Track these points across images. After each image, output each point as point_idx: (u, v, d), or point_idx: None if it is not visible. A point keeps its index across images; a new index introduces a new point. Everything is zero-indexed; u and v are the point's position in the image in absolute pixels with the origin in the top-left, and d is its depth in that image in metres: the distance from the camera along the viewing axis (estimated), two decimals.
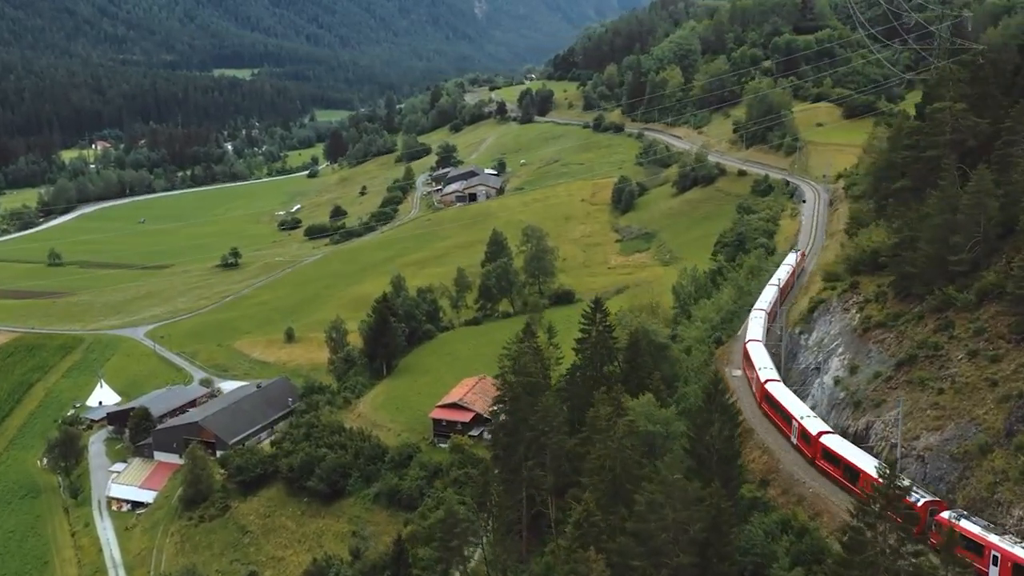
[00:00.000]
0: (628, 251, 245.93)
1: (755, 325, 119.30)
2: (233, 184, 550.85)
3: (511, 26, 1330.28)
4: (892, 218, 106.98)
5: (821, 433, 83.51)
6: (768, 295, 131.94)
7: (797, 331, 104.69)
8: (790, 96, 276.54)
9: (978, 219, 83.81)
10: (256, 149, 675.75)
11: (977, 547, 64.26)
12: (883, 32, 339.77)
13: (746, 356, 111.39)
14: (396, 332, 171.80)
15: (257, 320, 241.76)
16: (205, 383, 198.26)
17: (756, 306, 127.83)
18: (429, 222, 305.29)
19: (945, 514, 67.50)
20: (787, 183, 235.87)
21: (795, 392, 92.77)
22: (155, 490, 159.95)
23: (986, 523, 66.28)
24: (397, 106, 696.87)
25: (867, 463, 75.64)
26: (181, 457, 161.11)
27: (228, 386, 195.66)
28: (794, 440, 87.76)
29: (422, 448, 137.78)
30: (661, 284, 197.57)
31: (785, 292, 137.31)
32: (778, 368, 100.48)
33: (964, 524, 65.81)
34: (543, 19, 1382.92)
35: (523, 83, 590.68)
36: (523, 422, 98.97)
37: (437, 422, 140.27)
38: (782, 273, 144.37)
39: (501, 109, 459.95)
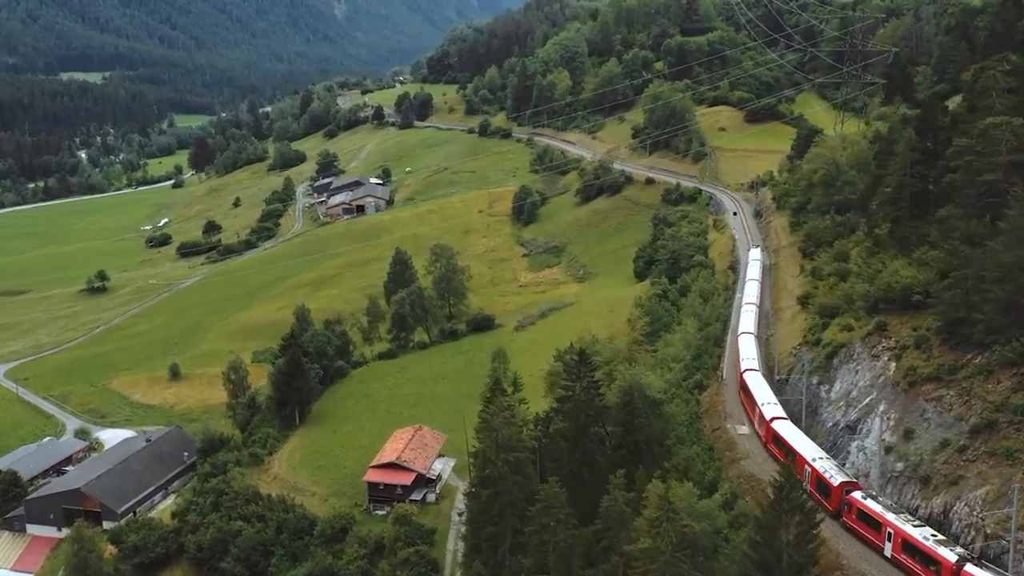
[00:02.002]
0: (537, 266, 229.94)
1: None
2: (91, 196, 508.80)
3: (372, 27, 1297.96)
4: (916, 247, 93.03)
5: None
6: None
7: (815, 381, 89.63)
8: (691, 100, 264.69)
9: None
10: (113, 157, 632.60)
11: (877, 524, 70.14)
12: (766, 33, 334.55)
13: (744, 387, 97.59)
14: (310, 375, 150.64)
15: (135, 355, 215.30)
16: (81, 434, 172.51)
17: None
18: (316, 238, 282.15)
19: (856, 494, 73.06)
20: (700, 192, 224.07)
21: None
22: (29, 572, 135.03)
23: (889, 503, 71.55)
24: (261, 110, 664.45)
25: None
26: (60, 530, 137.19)
27: (109, 437, 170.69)
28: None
29: (357, 518, 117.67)
30: (584, 306, 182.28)
31: (761, 313, 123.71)
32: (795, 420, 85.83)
33: (869, 503, 71.45)
34: (404, 20, 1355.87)
35: (395, 86, 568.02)
36: (510, 507, 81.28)
37: (373, 486, 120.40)
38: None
39: (379, 114, 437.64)
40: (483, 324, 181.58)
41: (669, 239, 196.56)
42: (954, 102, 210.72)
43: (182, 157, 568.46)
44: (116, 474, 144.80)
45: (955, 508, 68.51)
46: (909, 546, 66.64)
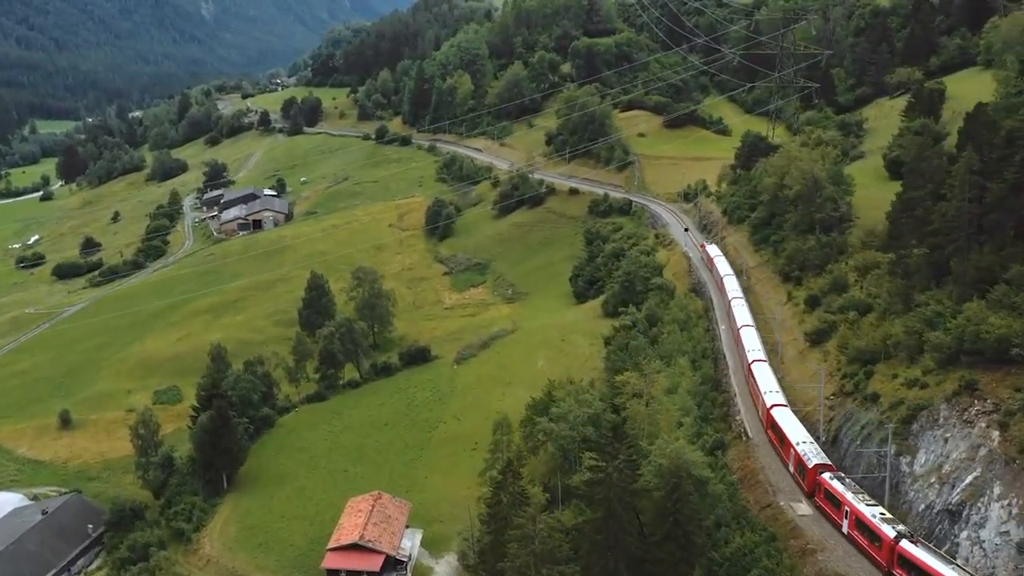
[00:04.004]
0: (461, 286, 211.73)
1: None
2: None
3: (241, 28, 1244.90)
4: (980, 283, 79.08)
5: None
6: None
7: (887, 450, 74.72)
8: (610, 106, 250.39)
9: None
10: None
11: (838, 503, 72.61)
12: (668, 35, 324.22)
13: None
14: (238, 430, 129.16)
15: (16, 399, 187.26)
16: None
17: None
18: (212, 257, 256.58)
19: (825, 475, 75.57)
20: (631, 203, 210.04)
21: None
22: None
23: (853, 485, 73.71)
24: (132, 115, 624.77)
25: None
26: None
27: None
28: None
29: None
30: (528, 333, 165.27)
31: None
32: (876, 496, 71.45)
33: (833, 484, 73.91)
34: (275, 21, 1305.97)
35: (276, 90, 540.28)
36: None
37: (333, 573, 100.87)
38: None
39: (265, 120, 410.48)
40: (418, 356, 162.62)
41: (609, 255, 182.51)
42: (886, 106, 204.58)
43: (49, 166, 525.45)
44: (8, 557, 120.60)
45: None
46: (860, 523, 69.61)
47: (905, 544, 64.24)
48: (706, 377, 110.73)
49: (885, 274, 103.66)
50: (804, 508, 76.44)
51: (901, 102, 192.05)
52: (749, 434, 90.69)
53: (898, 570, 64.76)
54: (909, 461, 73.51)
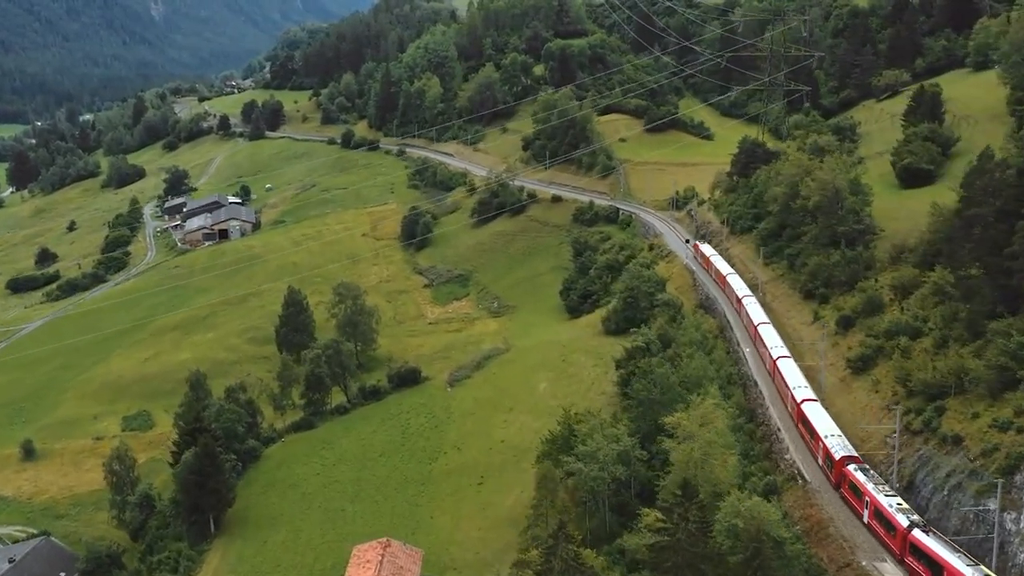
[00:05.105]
0: (443, 299, 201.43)
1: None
2: None
3: (192, 30, 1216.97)
4: None
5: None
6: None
7: (990, 507, 66.16)
8: (591, 109, 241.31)
9: None
10: None
11: (860, 493, 73.31)
12: (639, 36, 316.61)
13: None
14: (225, 468, 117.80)
15: None
16: None
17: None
18: (178, 269, 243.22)
19: (850, 467, 76.23)
20: (618, 211, 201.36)
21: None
22: None
23: (875, 476, 74.71)
24: (82, 119, 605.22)
25: None
26: None
27: None
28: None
29: None
30: (525, 353, 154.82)
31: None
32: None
33: (856, 475, 74.53)
34: (226, 22, 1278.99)
35: (233, 92, 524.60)
36: None
37: None
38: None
39: (224, 124, 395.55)
40: (408, 378, 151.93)
41: (603, 267, 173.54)
42: (875, 109, 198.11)
43: None
44: None
45: None
46: (878, 513, 70.61)
47: (917, 533, 65.18)
48: (739, 407, 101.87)
49: (930, 294, 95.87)
50: (891, 569, 67.53)
51: (891, 105, 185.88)
52: (806, 477, 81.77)
53: (909, 557, 65.92)
54: (1015, 518, 64.96)
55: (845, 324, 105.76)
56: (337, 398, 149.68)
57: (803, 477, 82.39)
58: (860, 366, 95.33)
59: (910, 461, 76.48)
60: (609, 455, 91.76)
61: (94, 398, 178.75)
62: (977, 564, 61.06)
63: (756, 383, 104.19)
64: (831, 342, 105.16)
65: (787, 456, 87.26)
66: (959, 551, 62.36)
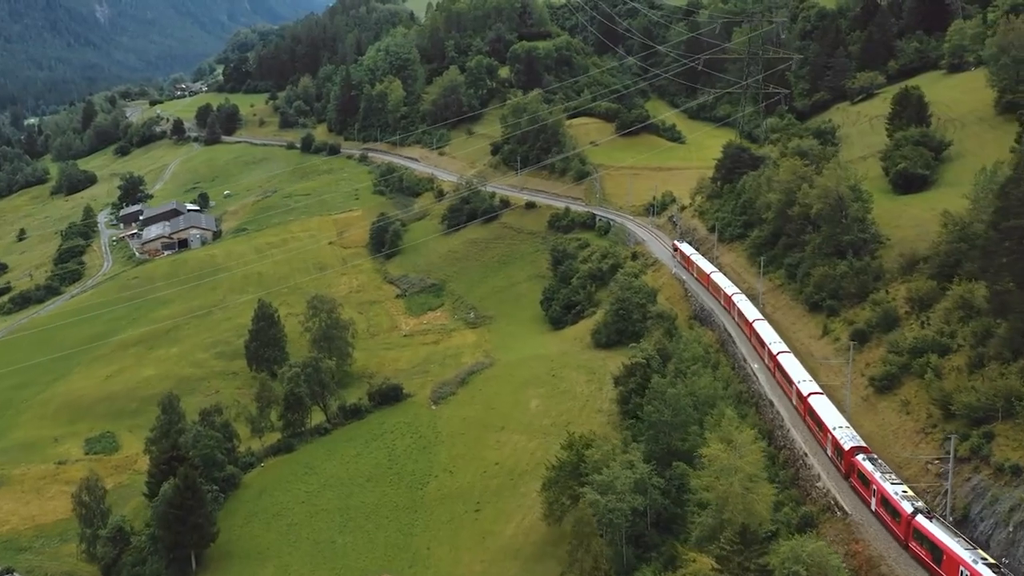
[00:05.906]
0: (417, 310, 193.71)
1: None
2: None
3: (139, 32, 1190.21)
4: None
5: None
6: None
7: None
8: (562, 114, 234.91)
9: None
10: None
11: (867, 482, 74.24)
12: (602, 37, 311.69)
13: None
14: (208, 501, 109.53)
15: None
16: None
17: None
18: (137, 281, 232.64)
19: (859, 456, 76.57)
20: (595, 217, 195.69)
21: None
22: None
23: (883, 464, 74.83)
24: (27, 122, 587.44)
25: None
26: None
27: None
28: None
29: None
30: (511, 368, 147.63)
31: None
32: None
33: (865, 464, 75.04)
34: (173, 24, 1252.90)
35: (184, 96, 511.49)
36: None
37: None
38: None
39: (179, 128, 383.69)
40: (389, 395, 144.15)
41: (586, 276, 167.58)
42: (851, 112, 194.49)
43: None
44: None
45: None
46: (885, 501, 70.92)
47: (920, 519, 65.77)
48: (758, 429, 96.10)
49: (954, 308, 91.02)
50: None
51: (867, 107, 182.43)
52: (845, 508, 76.17)
53: (913, 543, 66.68)
54: None
55: (860, 339, 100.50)
56: (316, 418, 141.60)
57: (841, 508, 76.71)
58: (885, 385, 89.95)
59: (961, 492, 71.12)
60: (627, 484, 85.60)
61: (53, 419, 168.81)
62: (975, 548, 61.70)
63: (772, 403, 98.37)
64: (847, 358, 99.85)
65: (819, 484, 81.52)
66: (959, 536, 63.42)
